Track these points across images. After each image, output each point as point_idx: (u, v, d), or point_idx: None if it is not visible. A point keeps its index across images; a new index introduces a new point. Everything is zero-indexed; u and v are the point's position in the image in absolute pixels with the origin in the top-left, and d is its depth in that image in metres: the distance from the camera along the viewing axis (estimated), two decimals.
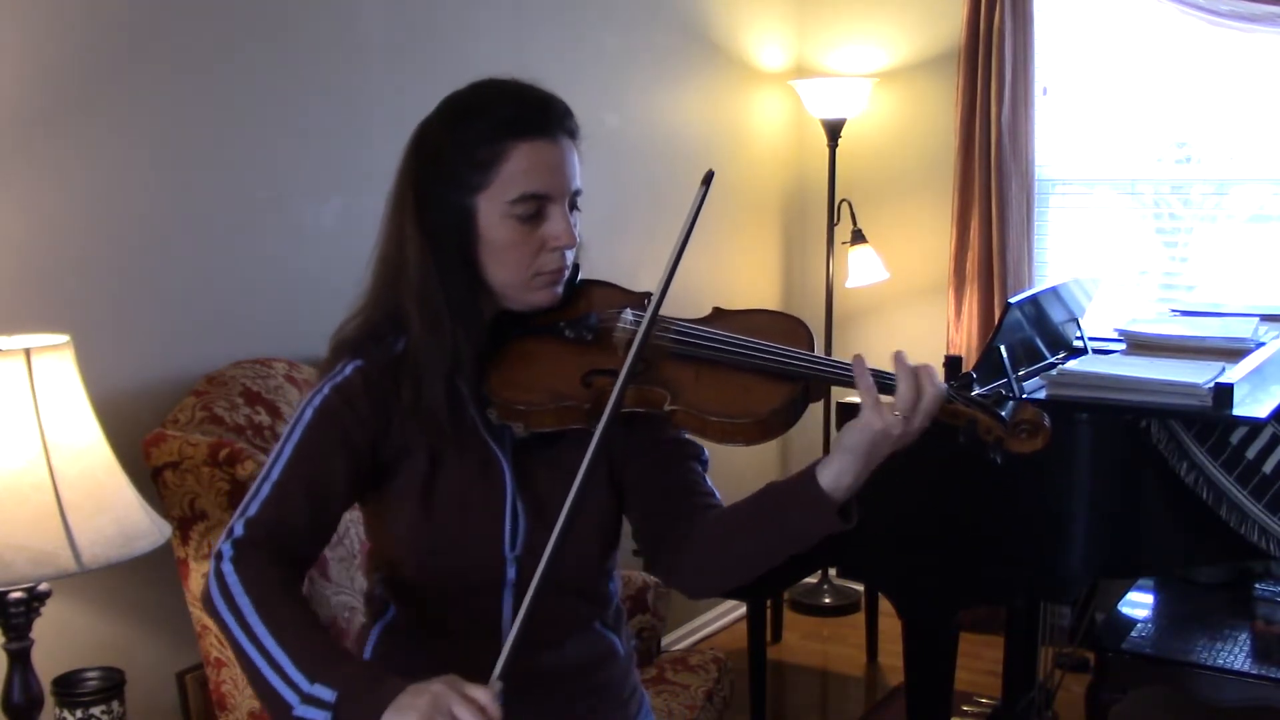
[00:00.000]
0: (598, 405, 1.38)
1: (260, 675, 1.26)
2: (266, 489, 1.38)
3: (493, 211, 1.40)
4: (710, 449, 1.53)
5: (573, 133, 1.45)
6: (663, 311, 1.40)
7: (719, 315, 1.51)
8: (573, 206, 1.45)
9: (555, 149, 1.42)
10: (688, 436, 1.53)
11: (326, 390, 1.43)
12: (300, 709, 1.22)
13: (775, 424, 1.38)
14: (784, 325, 1.48)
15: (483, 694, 1.20)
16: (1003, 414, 1.35)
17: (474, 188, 1.40)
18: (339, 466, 1.40)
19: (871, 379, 1.34)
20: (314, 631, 1.29)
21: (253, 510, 1.37)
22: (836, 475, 1.35)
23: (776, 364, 1.39)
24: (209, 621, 1.40)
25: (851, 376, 1.37)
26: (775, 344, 1.41)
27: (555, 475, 1.45)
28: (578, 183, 1.45)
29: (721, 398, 1.38)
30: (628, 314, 1.46)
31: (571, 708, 1.50)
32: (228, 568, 1.32)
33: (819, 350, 1.46)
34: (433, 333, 1.41)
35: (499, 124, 1.40)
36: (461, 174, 1.40)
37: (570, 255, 1.46)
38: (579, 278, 1.52)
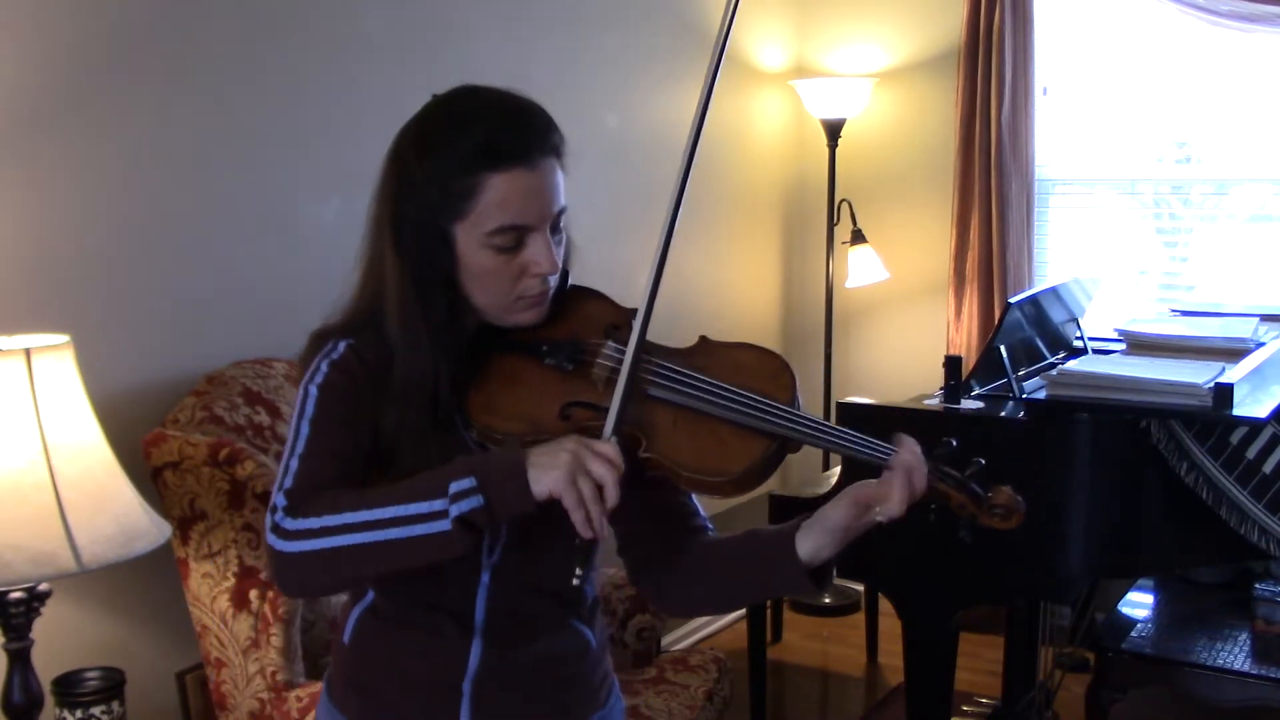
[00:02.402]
0: None
1: (403, 540, 1.27)
2: (295, 464, 1.37)
3: (471, 241, 1.38)
4: None
5: (555, 149, 1.41)
6: (653, 316, 1.39)
7: (704, 348, 1.47)
8: (555, 228, 1.42)
9: (534, 176, 1.37)
10: None
11: (325, 368, 1.41)
12: (454, 510, 1.25)
13: (748, 481, 1.36)
14: (769, 368, 1.44)
15: (609, 449, 1.26)
16: (978, 491, 1.34)
17: (451, 216, 1.37)
18: (357, 431, 1.40)
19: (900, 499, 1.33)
20: (403, 481, 1.31)
21: (288, 483, 1.35)
22: (815, 550, 1.38)
23: (756, 419, 1.36)
24: (301, 575, 1.35)
25: (826, 441, 1.38)
26: (758, 395, 1.38)
27: None
28: (561, 203, 1.41)
29: (696, 450, 1.35)
30: (610, 347, 1.43)
31: (543, 697, 1.52)
32: (291, 523, 1.30)
33: (797, 385, 1.43)
34: (413, 353, 1.40)
35: (473, 153, 1.35)
36: (437, 202, 1.37)
37: (554, 279, 1.43)
38: (569, 283, 1.49)
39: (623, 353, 1.38)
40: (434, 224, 1.38)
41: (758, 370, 1.43)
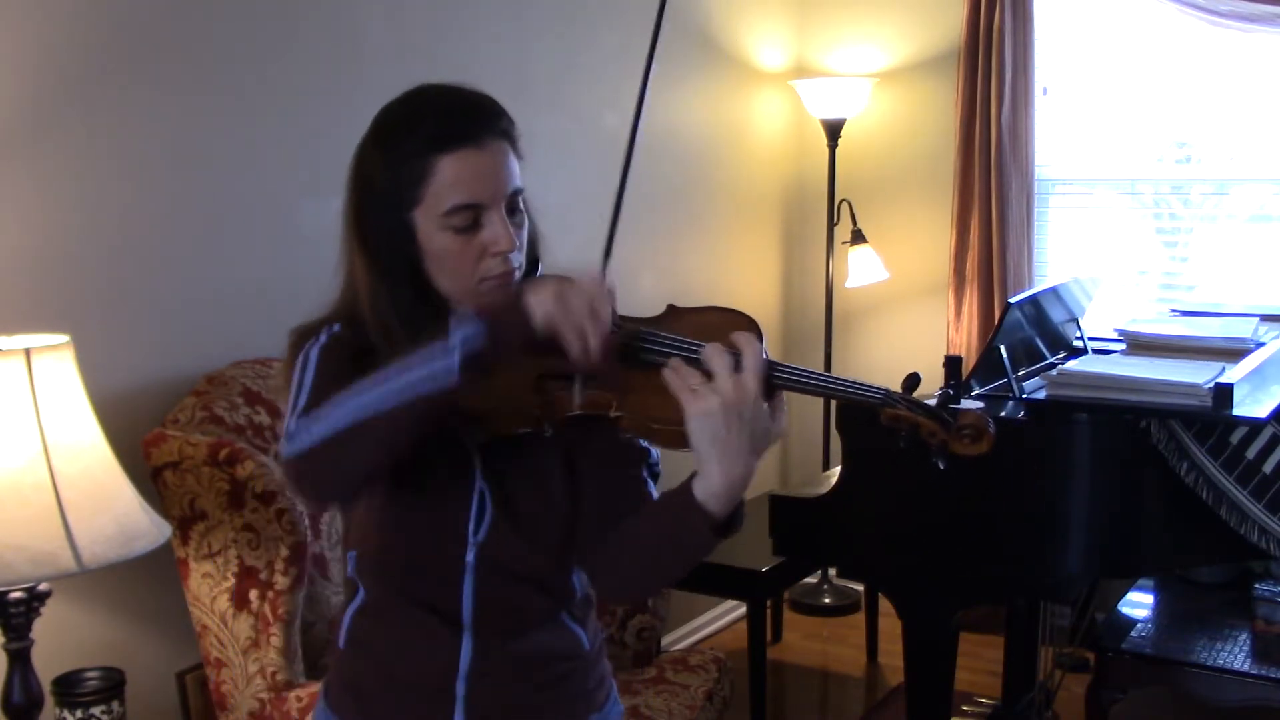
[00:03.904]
0: (549, 411, 1.39)
1: (404, 386, 1.29)
2: (303, 399, 1.40)
3: (429, 225, 1.41)
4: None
5: (505, 133, 1.45)
6: (624, 312, 1.40)
7: (672, 313, 1.50)
8: (513, 209, 1.45)
9: (483, 155, 1.41)
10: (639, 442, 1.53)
11: (323, 339, 1.46)
12: (453, 343, 1.27)
13: None
14: (735, 325, 1.45)
15: (597, 285, 1.31)
16: (946, 417, 1.34)
17: (408, 204, 1.41)
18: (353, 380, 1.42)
19: (684, 370, 1.31)
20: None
21: (301, 406, 1.39)
22: (703, 483, 1.32)
23: None
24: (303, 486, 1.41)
25: (798, 382, 1.36)
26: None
27: (524, 473, 1.47)
28: (516, 183, 1.44)
29: (666, 404, 1.36)
30: None
31: (536, 695, 1.52)
32: (303, 423, 1.34)
33: (763, 339, 1.44)
34: (387, 345, 1.42)
35: (423, 140, 1.40)
36: (395, 193, 1.42)
37: (516, 258, 1.45)
38: (539, 273, 1.52)
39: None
40: (394, 215, 1.42)
41: (723, 327, 1.44)
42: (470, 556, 1.47)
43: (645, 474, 1.54)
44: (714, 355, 1.29)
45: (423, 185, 1.40)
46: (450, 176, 1.40)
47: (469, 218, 1.41)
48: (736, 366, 1.29)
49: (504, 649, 1.49)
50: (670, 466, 1.56)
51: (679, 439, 1.37)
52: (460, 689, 1.48)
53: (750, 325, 1.44)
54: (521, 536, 1.47)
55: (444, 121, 1.41)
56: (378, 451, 1.33)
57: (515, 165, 1.45)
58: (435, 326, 1.41)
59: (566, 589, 1.55)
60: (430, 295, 1.45)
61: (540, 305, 1.29)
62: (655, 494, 1.53)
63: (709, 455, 1.29)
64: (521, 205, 1.47)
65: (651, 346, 1.40)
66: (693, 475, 1.35)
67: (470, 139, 1.41)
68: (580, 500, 1.53)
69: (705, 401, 1.28)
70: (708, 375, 1.29)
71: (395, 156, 1.42)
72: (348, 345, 1.45)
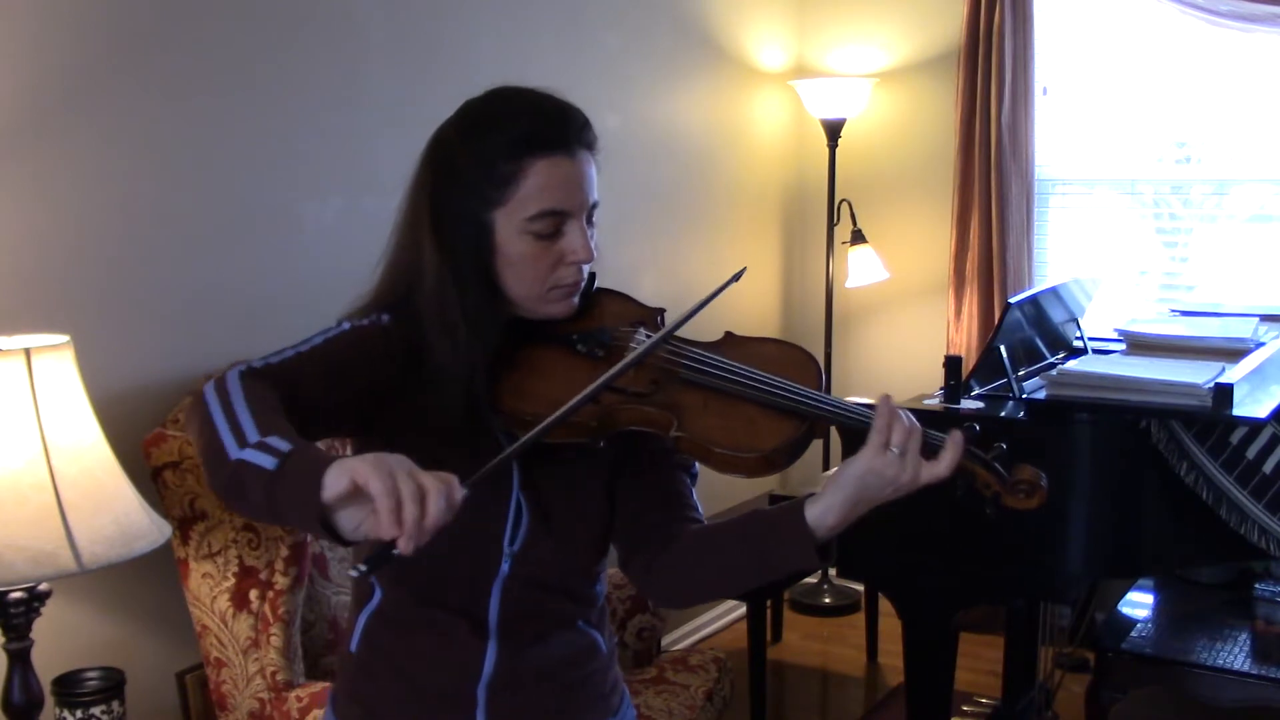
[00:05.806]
0: (604, 423, 1.39)
1: (213, 430, 1.19)
2: (290, 354, 1.34)
3: (510, 227, 1.40)
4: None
5: (590, 145, 1.45)
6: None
7: (730, 341, 1.53)
8: (589, 220, 1.45)
9: (573, 164, 1.41)
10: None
11: (366, 323, 1.42)
12: (243, 453, 1.16)
13: (778, 460, 1.39)
14: (795, 359, 1.49)
15: (434, 479, 1.11)
16: (1002, 470, 1.36)
17: (492, 203, 1.40)
18: (363, 372, 1.37)
19: (887, 420, 1.32)
20: (291, 431, 1.21)
21: (273, 361, 1.32)
22: (822, 512, 1.35)
23: (786, 401, 1.40)
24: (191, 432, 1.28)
25: (855, 420, 1.37)
26: (786, 379, 1.42)
27: (560, 483, 1.46)
28: (595, 195, 1.45)
29: (727, 429, 1.38)
30: (641, 334, 1.46)
31: (553, 701, 1.52)
32: (233, 376, 1.25)
33: (824, 376, 1.47)
34: (449, 343, 1.40)
35: (517, 139, 1.39)
36: (479, 189, 1.40)
37: (587, 269, 1.46)
38: (595, 286, 1.52)
39: (653, 339, 1.41)
40: (475, 213, 1.40)
41: (784, 360, 1.48)
42: (505, 565, 1.45)
43: (687, 480, 1.55)
44: (917, 440, 1.33)
45: (510, 186, 1.39)
46: (541, 181, 1.39)
47: (552, 225, 1.40)
48: (929, 456, 1.34)
49: (526, 654, 1.48)
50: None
51: (735, 464, 1.38)
52: (482, 695, 1.46)
53: (810, 360, 1.48)
54: (556, 546, 1.46)
55: (540, 124, 1.40)
56: (207, 446, 1.22)
57: (595, 179, 1.45)
58: (495, 324, 1.42)
59: (591, 597, 1.55)
60: (495, 296, 1.44)
61: (362, 465, 1.09)
62: (697, 504, 1.54)
63: (851, 496, 1.34)
64: (595, 218, 1.47)
65: (716, 372, 1.41)
66: (802, 500, 1.37)
67: (563, 145, 1.40)
68: (616, 511, 1.52)
69: (892, 467, 1.32)
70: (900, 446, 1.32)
71: (485, 153, 1.39)
72: (391, 341, 1.40)
